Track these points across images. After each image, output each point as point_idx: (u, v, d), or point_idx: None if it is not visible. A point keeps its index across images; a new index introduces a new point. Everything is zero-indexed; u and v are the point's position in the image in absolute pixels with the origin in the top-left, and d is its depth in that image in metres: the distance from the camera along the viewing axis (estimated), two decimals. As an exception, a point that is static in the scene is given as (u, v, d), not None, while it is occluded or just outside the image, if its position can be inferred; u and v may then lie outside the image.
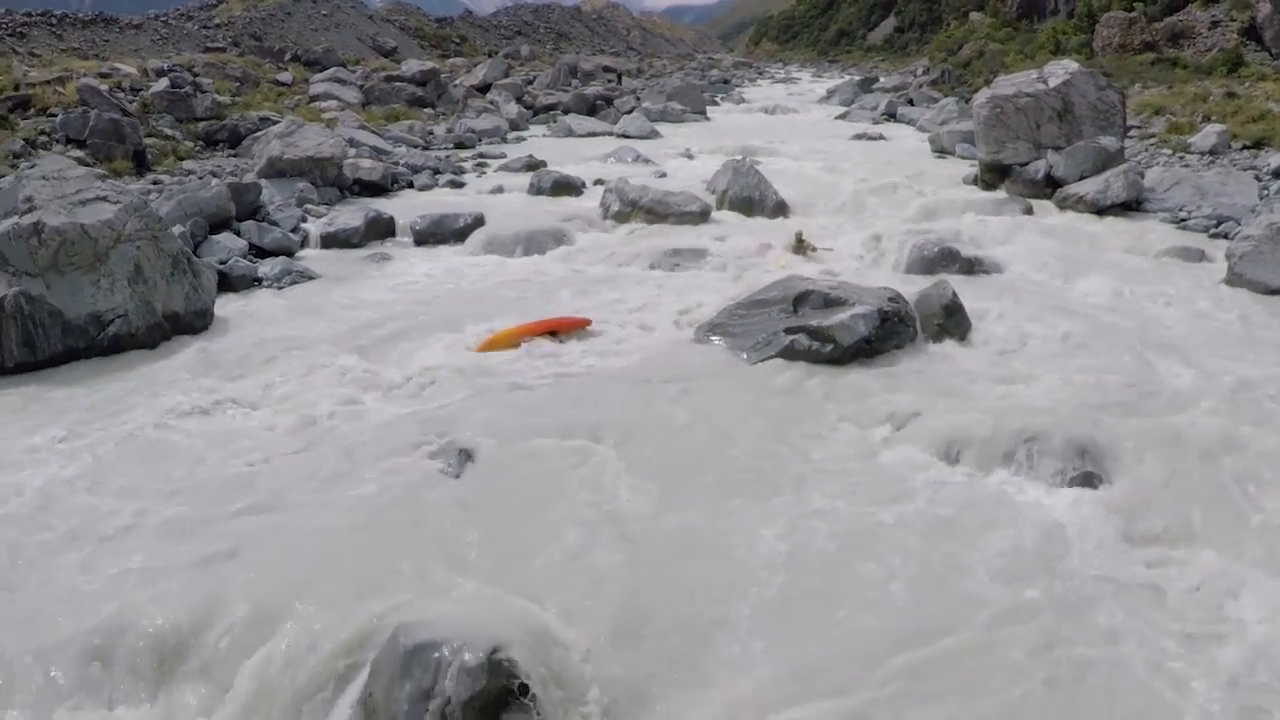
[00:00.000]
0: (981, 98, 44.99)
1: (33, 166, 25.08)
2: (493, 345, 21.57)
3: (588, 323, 22.90)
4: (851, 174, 46.61)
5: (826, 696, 10.91)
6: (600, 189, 40.54)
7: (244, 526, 14.62)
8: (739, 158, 43.43)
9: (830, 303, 21.85)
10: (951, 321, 22.77)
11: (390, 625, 11.58)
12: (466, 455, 16.81)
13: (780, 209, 37.93)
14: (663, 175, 44.62)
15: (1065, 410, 18.10)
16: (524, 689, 10.82)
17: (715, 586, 13.09)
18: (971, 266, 28.49)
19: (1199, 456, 16.59)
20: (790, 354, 21.06)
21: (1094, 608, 12.70)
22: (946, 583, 13.28)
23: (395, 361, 21.60)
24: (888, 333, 21.50)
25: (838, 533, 14.47)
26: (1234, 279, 27.51)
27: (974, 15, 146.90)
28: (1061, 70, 44.66)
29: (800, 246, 29.86)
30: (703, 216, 35.95)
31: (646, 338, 23.29)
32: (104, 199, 23.73)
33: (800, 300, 22.10)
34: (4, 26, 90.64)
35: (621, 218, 35.94)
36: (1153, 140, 52.35)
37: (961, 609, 12.65)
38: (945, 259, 28.48)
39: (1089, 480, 16.12)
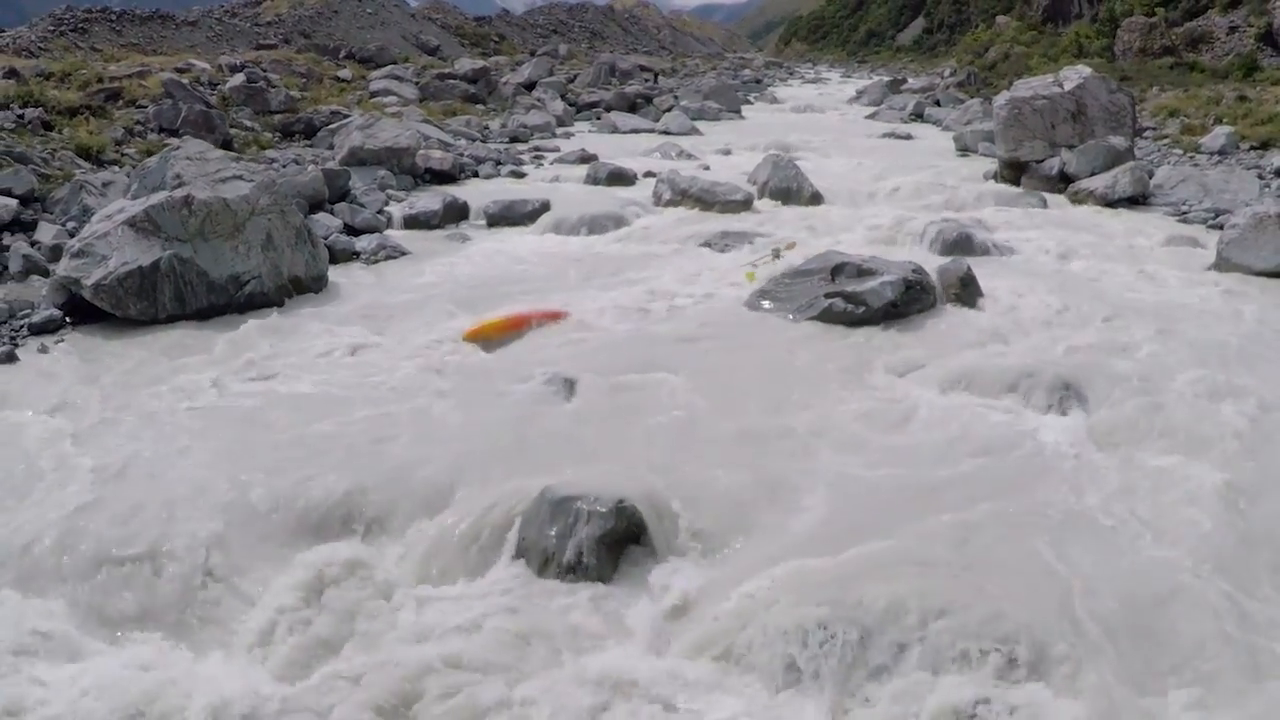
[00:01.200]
0: (1001, 100, 48.22)
1: (177, 149, 28.41)
2: (479, 334, 22.91)
3: (564, 315, 24.24)
4: (881, 169, 50.11)
5: (864, 539, 14.66)
6: (650, 180, 44.15)
7: (405, 429, 18.59)
8: (777, 152, 46.77)
9: (863, 272, 25.54)
10: (966, 291, 26.39)
11: (535, 490, 15.51)
12: (570, 383, 20.68)
13: (815, 199, 41.34)
14: (706, 168, 47.71)
15: (1055, 358, 22.08)
16: (641, 526, 14.80)
17: (772, 466, 17.25)
18: (987, 249, 31.82)
19: (1161, 392, 20.55)
20: (828, 315, 24.79)
21: (1066, 487, 16.80)
22: (952, 466, 17.58)
23: (488, 315, 24.96)
24: (911, 299, 25.19)
25: (867, 434, 18.81)
26: (1221, 263, 30.75)
27: (1000, 19, 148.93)
28: (1076, 75, 47.98)
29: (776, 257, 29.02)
30: (746, 205, 39.34)
31: (706, 302, 26.98)
32: (240, 177, 27.42)
33: (838, 270, 25.77)
34: (67, 22, 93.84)
35: (672, 204, 39.50)
36: (1166, 141, 54.84)
37: (964, 482, 16.85)
38: (964, 242, 31.78)
39: (1070, 407, 20.14)
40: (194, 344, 23.63)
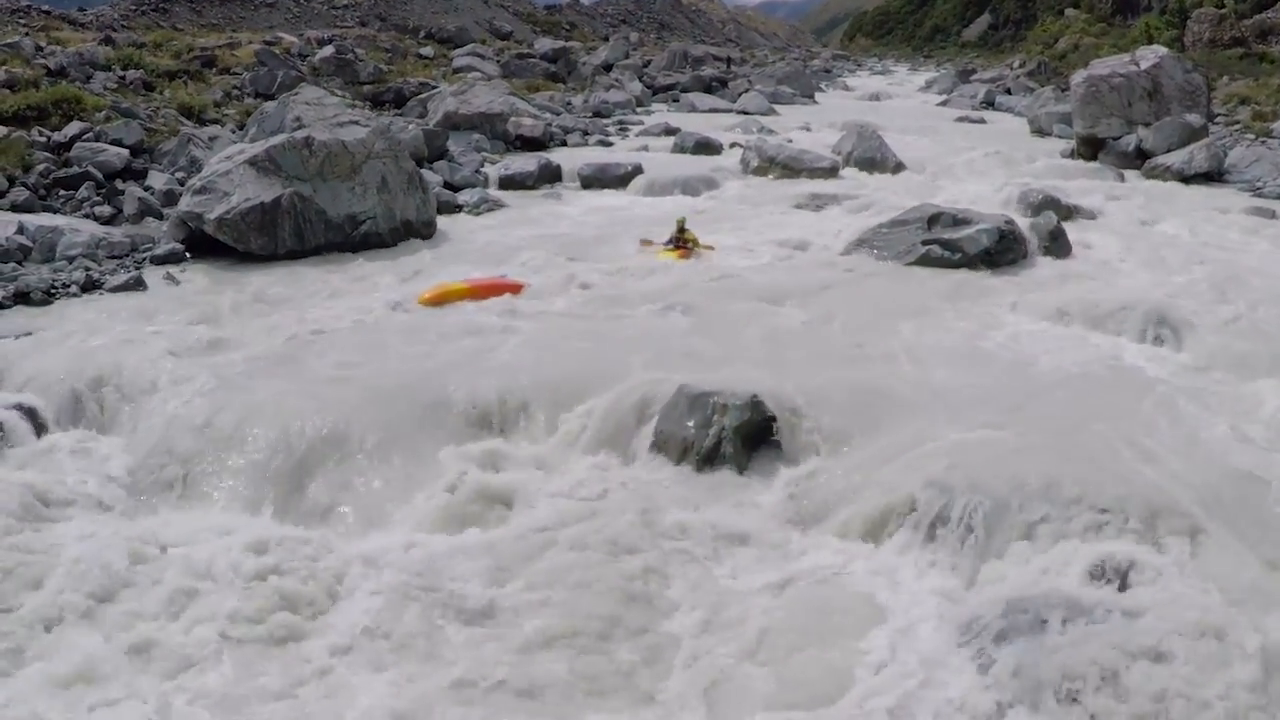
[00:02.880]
0: (1079, 77, 48.80)
1: (295, 94, 29.31)
2: (438, 299, 22.40)
3: (522, 287, 23.39)
4: (958, 146, 50.75)
5: (976, 432, 15.56)
6: (736, 150, 45.04)
7: (542, 344, 19.52)
8: (862, 123, 47.32)
9: (958, 222, 26.34)
10: (1056, 244, 27.16)
11: (672, 385, 16.45)
12: (689, 308, 21.70)
13: (899, 168, 42.13)
14: (789, 141, 48.33)
15: (1148, 298, 22.72)
16: (772, 419, 15.69)
17: (886, 376, 18.12)
18: (1070, 213, 32.42)
19: (1246, 331, 21.38)
20: (926, 260, 25.62)
21: (1159, 396, 17.66)
22: (1053, 378, 18.52)
23: (602, 258, 26.30)
24: (1004, 248, 25.93)
25: (971, 352, 19.74)
26: (1295, 230, 31.06)
27: (1069, 11, 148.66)
28: (1151, 54, 48.62)
29: (682, 240, 27.04)
30: (832, 172, 40.27)
31: (803, 251, 27.90)
32: (356, 123, 28.49)
33: (933, 220, 26.54)
34: (148, 2, 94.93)
35: (760, 171, 40.40)
36: (1237, 126, 55.09)
37: (1065, 389, 17.85)
38: (1049, 204, 32.17)
39: (1164, 338, 21.01)
40: (316, 276, 24.52)
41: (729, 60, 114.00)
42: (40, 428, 16.28)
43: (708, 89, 78.68)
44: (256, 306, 22.09)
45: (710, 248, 27.07)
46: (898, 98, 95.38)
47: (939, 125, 62.82)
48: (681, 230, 26.78)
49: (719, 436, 15.36)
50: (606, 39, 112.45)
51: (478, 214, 32.52)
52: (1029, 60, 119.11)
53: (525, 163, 38.63)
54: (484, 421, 16.51)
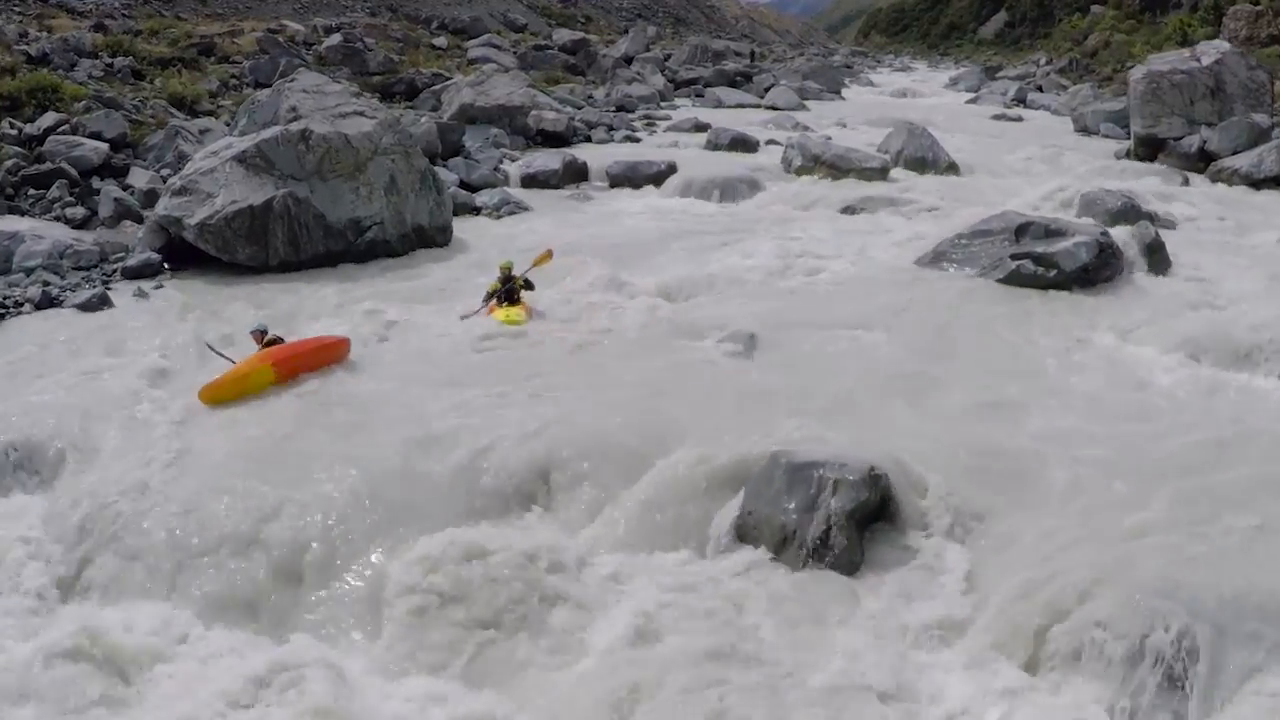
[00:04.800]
0: (1138, 74, 45.56)
1: (292, 80, 26.30)
2: (218, 392, 15.81)
3: (345, 344, 17.86)
4: (1005, 145, 47.76)
5: (1134, 513, 12.36)
6: (773, 147, 42.05)
7: (585, 388, 16.38)
8: (911, 121, 44.25)
9: (1051, 233, 23.06)
10: (1155, 258, 23.86)
11: (759, 451, 13.15)
12: (751, 338, 18.51)
13: (952, 168, 38.89)
14: (828, 139, 45.43)
15: (1280, 326, 19.46)
16: (888, 501, 12.22)
17: (1007, 432, 14.94)
18: (1151, 219, 29.16)
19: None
20: (1016, 278, 22.35)
21: None
22: (1199, 432, 15.27)
23: (644, 274, 23.07)
24: (1102, 263, 22.60)
25: (1097, 399, 16.58)
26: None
27: (1095, 8, 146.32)
28: (1213, 49, 45.46)
29: (511, 290, 20.56)
30: (882, 172, 36.77)
31: (869, 263, 24.75)
32: (361, 114, 25.30)
33: (1022, 231, 23.28)
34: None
35: (804, 171, 36.91)
36: None
37: (1217, 450, 14.62)
38: (1128, 211, 28.86)
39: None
40: (312, 294, 21.65)
41: (753, 54, 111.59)
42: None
43: (732, 83, 76.11)
44: (239, 333, 18.85)
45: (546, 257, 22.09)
46: (926, 94, 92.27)
47: (975, 123, 59.90)
48: (508, 279, 20.59)
49: (828, 522, 11.96)
50: (624, 32, 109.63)
51: (499, 217, 29.89)
52: (1057, 57, 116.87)
53: (549, 160, 36.04)
54: (508, 499, 13.43)
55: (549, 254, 22.13)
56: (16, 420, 14.91)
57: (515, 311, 20.03)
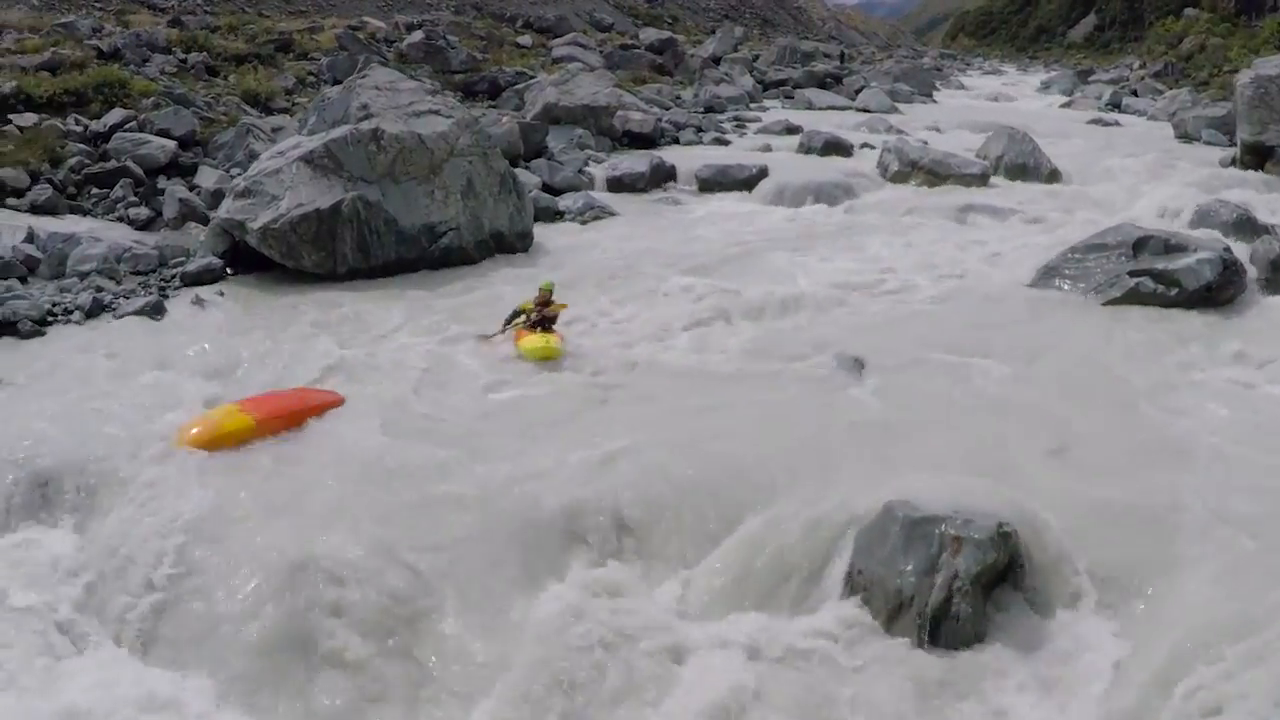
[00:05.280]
0: (1245, 78, 43.47)
1: (364, 76, 25.03)
2: (212, 439, 13.74)
3: (340, 402, 15.31)
4: (1106, 151, 45.55)
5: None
6: (868, 151, 40.44)
7: (674, 421, 14.65)
8: (1012, 125, 42.69)
9: (1171, 248, 21.37)
10: (1278, 276, 22.13)
11: (869, 501, 11.47)
12: (855, 363, 16.88)
13: (1054, 176, 37.07)
14: (924, 143, 43.78)
15: None
16: (1017, 561, 10.55)
17: (1150, 480, 13.02)
18: (1268, 232, 27.26)
19: None
20: (1134, 296, 20.70)
21: None
22: None
23: (733, 286, 21.28)
24: (1226, 281, 20.96)
25: (1251, 440, 14.57)
26: None
27: (1189, 11, 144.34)
28: (1326, 52, 43.51)
29: (546, 316, 17.89)
30: (982, 179, 35.15)
31: (984, 281, 22.94)
32: (436, 112, 23.91)
33: (1140, 245, 21.57)
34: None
35: (900, 177, 35.33)
36: None
37: None
38: (1243, 224, 26.96)
39: None
40: (381, 305, 20.12)
41: (843, 55, 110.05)
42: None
43: (821, 85, 74.58)
44: (302, 349, 17.59)
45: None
46: (1018, 98, 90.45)
47: (1072, 128, 57.67)
48: (547, 302, 17.97)
49: (950, 588, 10.29)
50: (711, 32, 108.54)
51: (583, 222, 28.34)
52: (1151, 60, 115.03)
53: (635, 162, 34.41)
54: (582, 553, 11.90)
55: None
56: (49, 446, 13.38)
57: (552, 340, 17.35)
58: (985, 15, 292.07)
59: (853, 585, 10.79)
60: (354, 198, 21.47)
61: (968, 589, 10.16)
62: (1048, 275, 22.19)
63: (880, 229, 27.77)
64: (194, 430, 13.68)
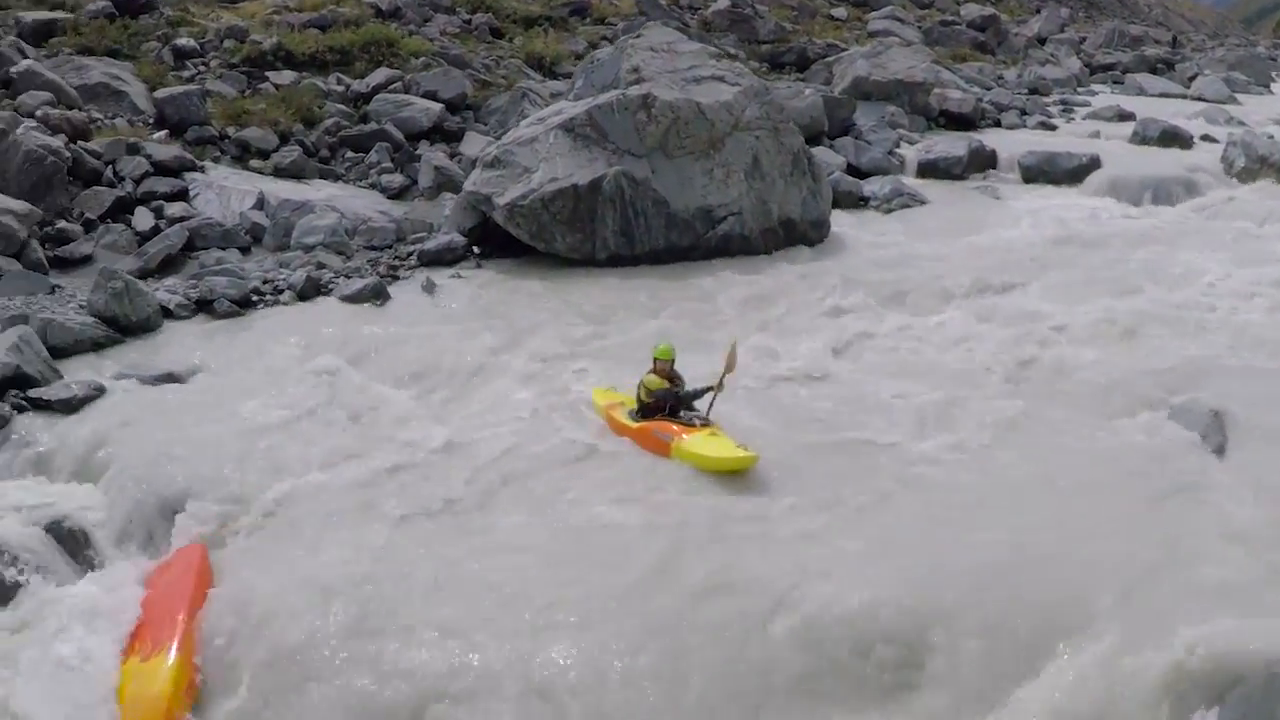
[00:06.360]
0: None
1: (638, 36, 22.54)
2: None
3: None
4: None
5: None
6: (1209, 144, 36.62)
7: (1004, 499, 11.26)
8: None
9: None
10: None
11: (1244, 654, 8.28)
12: (1214, 419, 12.84)
13: None
14: (1270, 137, 39.69)
15: None
16: None
17: None
18: None
19: None
20: None
21: None
22: None
23: (1070, 305, 17.67)
24: None
25: None
26: None
27: None
28: None
29: (674, 392, 13.21)
30: (1352, 182, 30.70)
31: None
32: (720, 79, 21.37)
33: None
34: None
35: (1248, 175, 30.90)
36: None
37: None
38: None
39: None
40: (647, 300, 17.64)
41: (1174, 40, 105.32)
42: (85, 561, 11.32)
43: (1152, 70, 70.78)
44: (545, 357, 15.26)
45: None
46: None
47: None
48: (671, 376, 13.34)
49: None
50: (1036, 11, 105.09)
51: (889, 211, 25.13)
52: None
53: (952, 145, 31.05)
54: (846, 685, 8.89)
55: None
56: (211, 460, 12.14)
57: (730, 448, 12.20)
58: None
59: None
60: (618, 173, 19.21)
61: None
62: None
63: (1231, 236, 23.75)
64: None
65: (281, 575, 9.93)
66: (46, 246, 19.12)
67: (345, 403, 13.48)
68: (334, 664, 8.98)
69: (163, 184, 21.60)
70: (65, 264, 19.02)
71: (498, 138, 24.53)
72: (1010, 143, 33.02)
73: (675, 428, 12.62)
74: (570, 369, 14.77)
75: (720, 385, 12.90)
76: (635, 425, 13.03)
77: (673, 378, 13.22)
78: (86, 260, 19.08)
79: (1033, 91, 51.22)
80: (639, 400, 13.20)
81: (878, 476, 11.72)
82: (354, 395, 13.59)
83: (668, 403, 12.88)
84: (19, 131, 20.62)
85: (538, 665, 8.87)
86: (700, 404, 13.04)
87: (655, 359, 13.24)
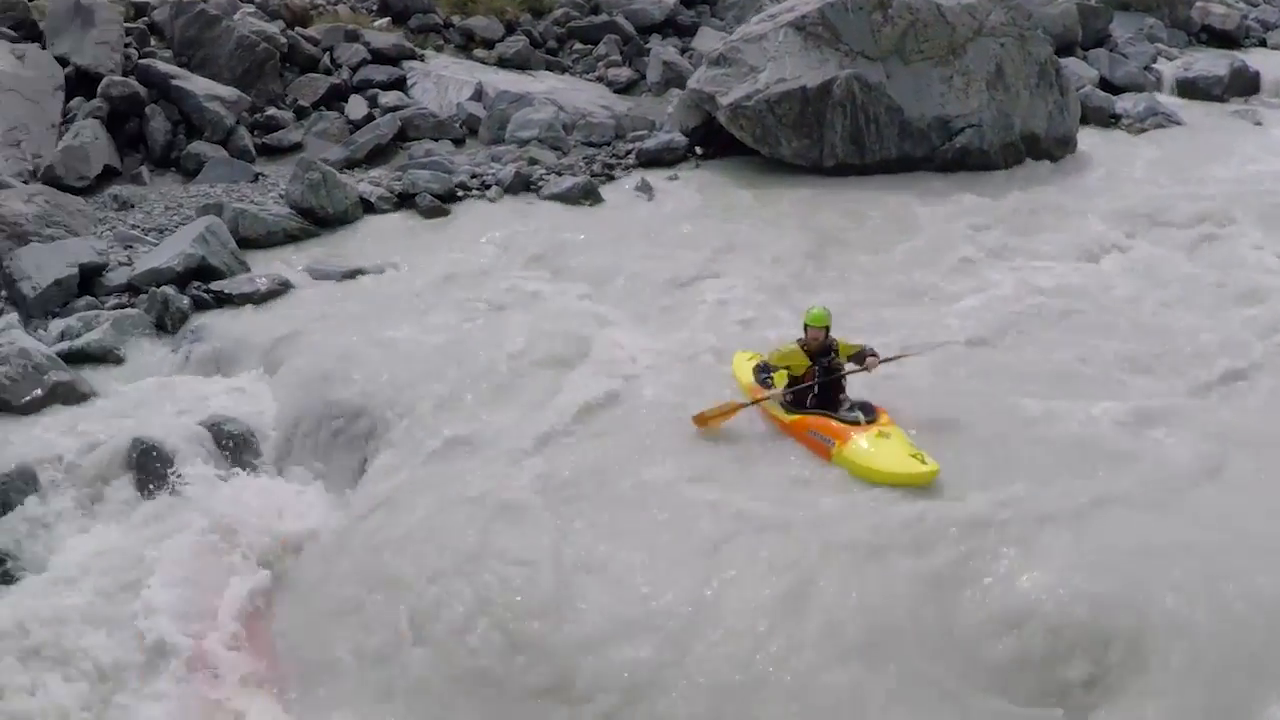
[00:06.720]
0: None
1: None
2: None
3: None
4: None
5: None
6: None
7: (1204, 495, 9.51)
8: None
9: None
10: None
11: None
12: None
13: None
14: None
15: None
16: None
17: None
18: None
19: None
20: None
21: None
22: None
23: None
24: None
25: None
26: None
27: None
28: None
29: (833, 365, 11.46)
30: None
31: None
32: (967, -22, 20.18)
33: None
34: None
35: None
36: None
37: None
38: None
39: None
40: (874, 219, 16.53)
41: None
42: (243, 464, 11.01)
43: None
44: (762, 285, 14.00)
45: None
46: None
47: None
48: (828, 347, 11.33)
49: None
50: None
51: (1140, 131, 23.62)
52: None
53: (1213, 64, 29.32)
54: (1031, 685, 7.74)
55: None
56: (393, 367, 11.63)
57: (904, 457, 10.31)
58: None
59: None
60: (849, 76, 18.41)
61: None
62: None
63: None
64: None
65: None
66: (255, 134, 19.18)
67: (548, 311, 12.73)
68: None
69: (379, 72, 21.67)
70: (273, 151, 19.12)
71: (732, 33, 23.90)
72: (1276, 65, 31.14)
73: (835, 425, 10.79)
74: (789, 302, 13.22)
75: (822, 364, 11.17)
76: (788, 419, 11.28)
77: (824, 349, 11.24)
78: (296, 148, 19.07)
79: (1314, 19, 48.28)
80: (779, 360, 11.29)
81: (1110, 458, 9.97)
82: (559, 301, 12.90)
83: (815, 382, 11.14)
84: (235, 17, 20.72)
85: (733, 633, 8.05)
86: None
87: (806, 325, 11.31)
